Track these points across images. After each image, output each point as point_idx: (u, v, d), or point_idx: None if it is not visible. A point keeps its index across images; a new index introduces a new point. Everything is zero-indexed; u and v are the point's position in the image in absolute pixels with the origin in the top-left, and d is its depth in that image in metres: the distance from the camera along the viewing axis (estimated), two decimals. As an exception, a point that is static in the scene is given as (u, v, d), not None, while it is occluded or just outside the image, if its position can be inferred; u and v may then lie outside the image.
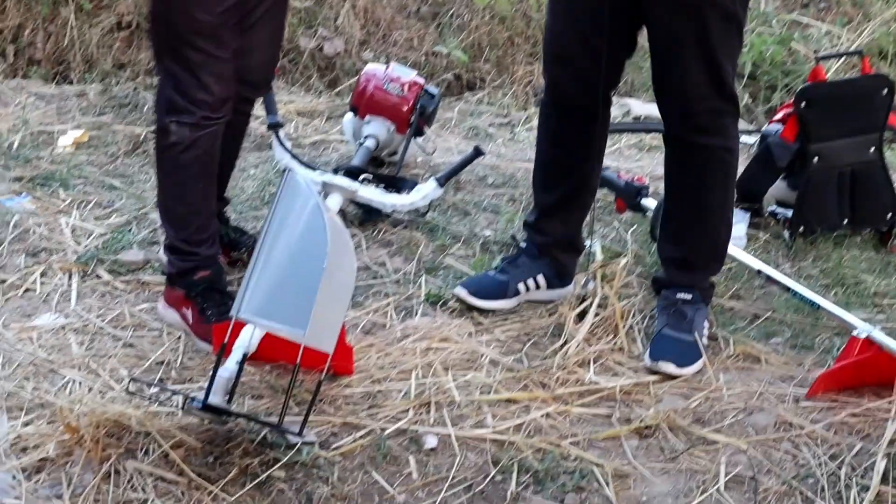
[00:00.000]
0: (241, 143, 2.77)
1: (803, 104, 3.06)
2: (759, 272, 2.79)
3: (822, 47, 4.50)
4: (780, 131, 3.14)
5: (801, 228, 3.06)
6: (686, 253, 2.60)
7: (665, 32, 2.44)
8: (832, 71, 4.34)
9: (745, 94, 4.38)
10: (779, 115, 3.26)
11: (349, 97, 3.78)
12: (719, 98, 2.46)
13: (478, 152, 3.13)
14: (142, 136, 3.51)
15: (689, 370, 2.46)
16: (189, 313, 2.51)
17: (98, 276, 2.74)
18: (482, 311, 2.65)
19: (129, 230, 2.94)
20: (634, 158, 3.70)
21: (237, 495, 2.04)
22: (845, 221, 3.10)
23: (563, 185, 2.70)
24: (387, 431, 2.21)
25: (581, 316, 2.59)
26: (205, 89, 2.42)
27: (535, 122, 2.87)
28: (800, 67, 4.37)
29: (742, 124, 3.97)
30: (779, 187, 3.18)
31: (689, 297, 2.56)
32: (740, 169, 2.83)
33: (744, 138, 3.45)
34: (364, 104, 3.36)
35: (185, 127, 2.44)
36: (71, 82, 4.23)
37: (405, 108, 3.34)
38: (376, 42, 4.69)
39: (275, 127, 3.11)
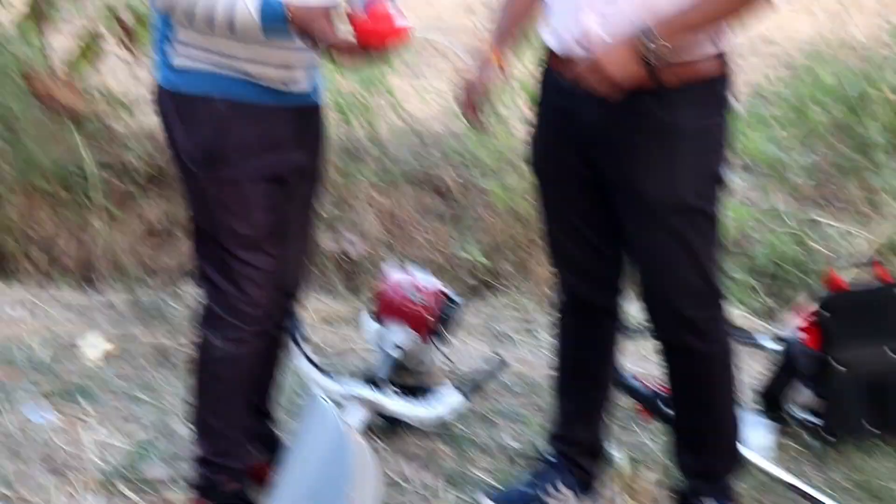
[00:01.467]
0: (281, 354, 2.79)
1: (826, 313, 3.07)
2: (789, 486, 2.74)
3: (838, 245, 4.55)
4: (803, 339, 3.13)
5: (831, 438, 3.02)
6: (707, 460, 2.58)
7: (645, 238, 2.47)
8: (850, 273, 4.36)
9: (765, 293, 4.39)
10: (800, 322, 3.25)
11: (372, 303, 3.83)
12: (708, 300, 2.48)
13: (501, 362, 3.14)
14: (169, 349, 3.54)
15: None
16: None
17: (123, 495, 2.71)
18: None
19: (154, 444, 2.93)
20: (656, 361, 3.69)
21: None
22: (877, 431, 3.05)
23: (582, 388, 2.70)
24: None
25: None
26: (247, 301, 2.47)
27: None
28: (818, 266, 4.40)
29: (764, 325, 3.99)
30: (805, 394, 3.15)
31: None
32: (748, 368, 2.79)
33: (765, 343, 3.45)
34: (387, 312, 3.39)
35: (227, 340, 2.47)
36: (99, 290, 4.30)
37: (428, 316, 3.36)
38: (399, 243, 4.77)
39: (297, 337, 3.14)
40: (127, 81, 5.27)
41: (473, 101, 2.59)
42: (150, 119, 5.11)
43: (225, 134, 2.40)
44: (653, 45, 2.27)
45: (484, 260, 4.59)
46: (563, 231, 2.63)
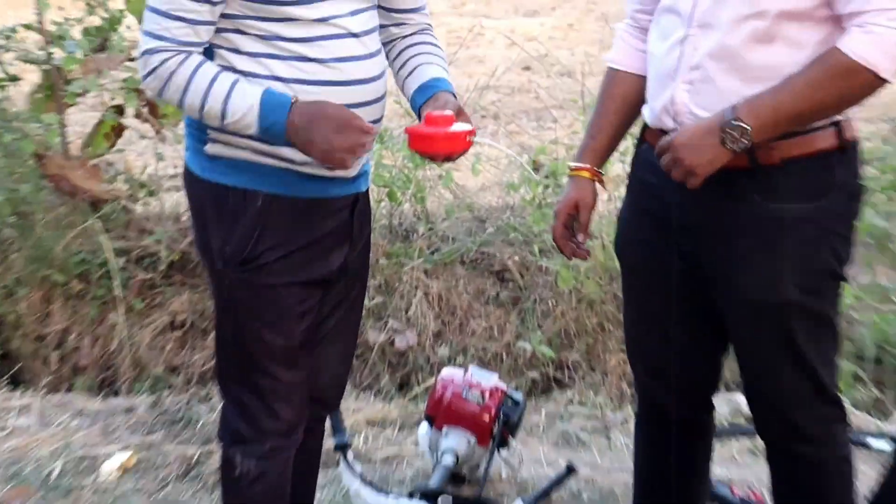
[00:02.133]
0: (318, 465, 2.78)
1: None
2: None
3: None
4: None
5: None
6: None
7: (745, 338, 2.44)
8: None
9: (871, 382, 4.31)
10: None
11: (424, 403, 3.80)
12: (821, 405, 2.43)
13: (570, 469, 3.09)
14: (195, 458, 3.53)
15: None
16: None
17: None
18: None
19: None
20: (749, 465, 3.62)
21: None
22: None
23: (665, 506, 2.67)
24: None
25: None
26: (275, 417, 2.45)
27: (633, 426, 2.85)
28: (932, 349, 4.32)
29: (872, 421, 3.90)
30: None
31: None
32: (861, 474, 2.72)
33: (873, 442, 3.36)
34: (441, 414, 3.36)
35: (253, 459, 2.46)
36: (117, 392, 4.31)
37: (487, 418, 3.33)
38: (452, 333, 4.75)
39: (342, 448, 3.11)
40: (149, 159, 5.35)
41: (569, 229, 2.58)
42: (173, 200, 5.17)
43: (262, 232, 2.39)
44: (736, 129, 2.23)
45: (548, 350, 4.55)
46: (645, 327, 2.61)
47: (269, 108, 2.25)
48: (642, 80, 2.56)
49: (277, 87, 2.30)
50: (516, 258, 4.95)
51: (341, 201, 2.47)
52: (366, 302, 4.63)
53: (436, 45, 2.61)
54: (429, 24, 2.64)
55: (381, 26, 2.58)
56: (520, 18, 12.36)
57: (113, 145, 5.08)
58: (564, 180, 4.94)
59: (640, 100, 2.57)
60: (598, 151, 2.62)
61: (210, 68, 2.29)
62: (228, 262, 2.40)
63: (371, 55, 2.41)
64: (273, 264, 2.39)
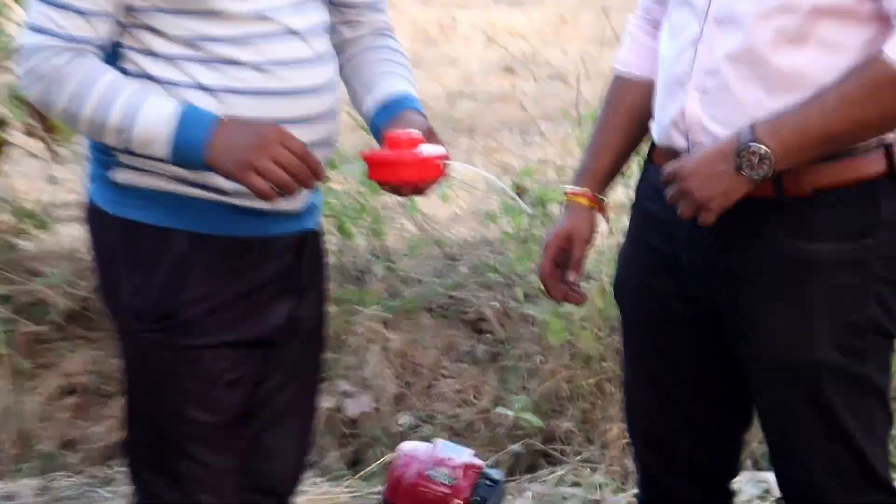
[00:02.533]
0: None
1: None
2: None
3: None
4: None
5: None
6: None
7: (772, 408, 2.46)
8: None
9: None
10: None
11: (381, 484, 3.78)
12: (868, 490, 2.45)
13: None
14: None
15: None
16: None
17: None
18: None
19: None
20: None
21: None
22: None
23: None
24: None
25: None
26: None
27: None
28: None
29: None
30: None
31: None
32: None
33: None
34: (402, 497, 3.36)
35: None
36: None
37: (457, 501, 3.33)
38: (416, 397, 4.75)
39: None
40: (40, 184, 5.33)
41: (560, 266, 2.60)
42: (70, 234, 5.15)
43: (184, 280, 2.39)
44: (754, 154, 2.24)
45: (534, 418, 4.55)
46: (647, 391, 2.62)
47: (187, 124, 2.25)
48: (647, 86, 2.58)
49: (202, 97, 2.30)
50: (495, 304, 4.95)
51: (284, 241, 2.48)
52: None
53: (398, 52, 2.62)
54: (388, 25, 2.65)
55: (332, 24, 2.60)
56: (501, 9, 12.39)
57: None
58: (556, 209, 4.99)
59: (646, 108, 2.59)
60: (600, 174, 2.64)
61: (110, 71, 2.29)
62: (142, 317, 2.39)
63: (319, 58, 2.42)
64: (198, 321, 2.39)
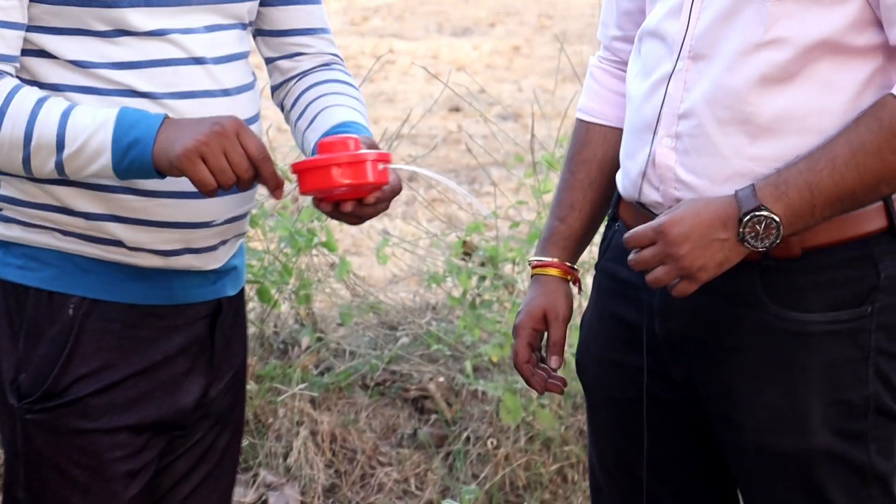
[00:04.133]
0: None
1: None
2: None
3: None
4: None
5: None
6: None
7: (759, 499, 2.45)
8: None
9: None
10: None
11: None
12: None
13: None
14: None
15: None
16: None
17: None
18: None
19: None
20: None
21: None
22: None
23: None
24: None
25: None
26: None
27: None
28: None
29: None
30: None
31: None
32: None
33: None
34: None
35: None
36: None
37: None
38: (350, 488, 4.72)
39: None
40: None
41: (536, 350, 2.59)
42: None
43: (73, 353, 2.36)
44: (761, 221, 2.22)
45: (487, 513, 4.54)
46: (615, 479, 2.61)
47: (129, 122, 2.22)
48: (615, 132, 2.57)
49: None
50: (441, 380, 4.94)
51: (194, 310, 2.46)
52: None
53: (349, 84, 2.62)
54: (336, 56, 2.66)
55: (269, 60, 2.62)
56: (445, 39, 12.49)
57: None
58: (509, 269, 4.99)
59: (616, 158, 2.58)
60: (570, 238, 2.64)
61: (32, 89, 2.27)
62: (24, 395, 2.37)
63: (225, 93, 2.40)
64: (89, 400, 2.37)
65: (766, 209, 2.20)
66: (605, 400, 2.61)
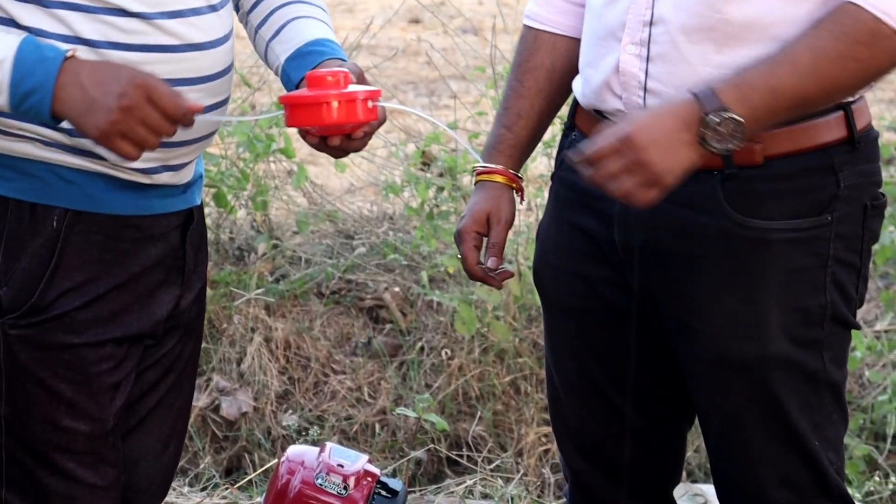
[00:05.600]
0: None
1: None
2: None
3: None
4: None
5: None
6: None
7: (714, 407, 2.48)
8: None
9: (892, 469, 4.39)
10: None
11: (261, 494, 3.77)
12: (812, 492, 2.47)
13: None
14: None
15: None
16: None
17: None
18: None
19: None
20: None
21: None
22: None
23: None
24: None
25: None
26: None
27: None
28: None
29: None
30: None
31: None
32: None
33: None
34: (284, 509, 3.36)
35: None
36: None
37: (349, 515, 3.33)
38: (303, 395, 4.74)
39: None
40: None
41: (479, 251, 2.61)
42: None
43: (57, 267, 2.35)
44: (724, 122, 2.21)
45: (440, 420, 4.57)
46: (577, 391, 2.64)
47: (28, 65, 2.20)
48: (576, 44, 2.57)
49: (79, 52, 2.26)
50: (397, 290, 4.96)
51: (169, 220, 2.46)
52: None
53: (310, 3, 2.59)
54: None
55: None
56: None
57: None
58: (467, 181, 4.99)
59: (573, 71, 2.59)
60: (516, 147, 2.65)
61: None
62: (6, 311, 2.35)
63: (212, 7, 2.41)
64: (74, 315, 2.37)
65: (730, 110, 2.20)
66: (564, 310, 2.62)
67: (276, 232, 5.14)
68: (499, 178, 2.62)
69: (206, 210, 4.97)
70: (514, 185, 2.63)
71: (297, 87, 2.46)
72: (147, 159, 2.34)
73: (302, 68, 2.46)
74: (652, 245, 2.44)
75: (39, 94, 2.20)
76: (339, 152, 2.40)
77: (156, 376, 2.54)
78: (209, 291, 4.81)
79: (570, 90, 2.61)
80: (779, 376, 2.40)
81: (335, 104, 2.26)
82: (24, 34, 2.23)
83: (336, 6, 9.38)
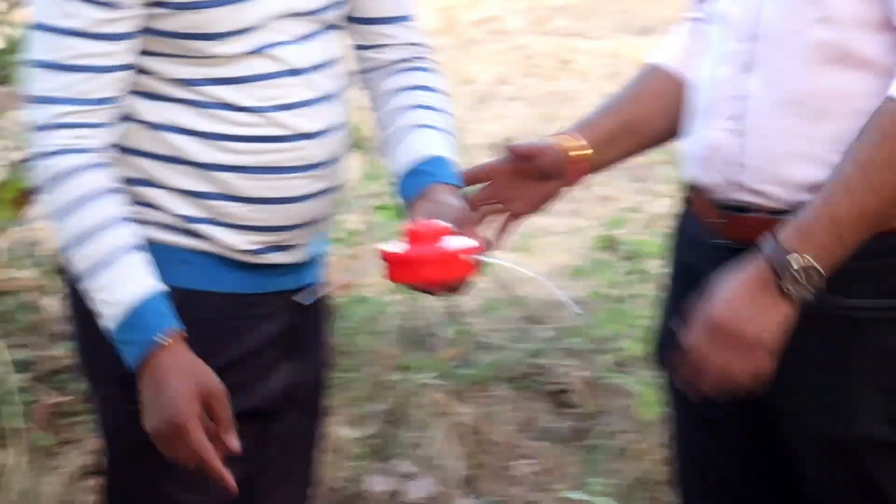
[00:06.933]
0: None
1: None
2: None
3: None
4: None
5: None
6: None
7: (814, 487, 2.45)
8: None
9: None
10: None
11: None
12: None
13: None
14: None
15: None
16: None
17: None
18: None
19: None
20: None
21: None
22: None
23: None
24: None
25: None
26: None
27: None
28: None
29: None
30: None
31: None
32: None
33: None
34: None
35: None
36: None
37: None
38: (486, 479, 4.74)
39: None
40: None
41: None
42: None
43: None
44: (800, 272, 2.22)
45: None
46: (696, 474, 2.64)
47: (136, 319, 2.29)
48: (684, 85, 2.58)
49: (192, 144, 2.35)
50: (584, 372, 4.94)
51: (282, 298, 2.51)
52: (358, 435, 4.65)
53: (434, 90, 2.61)
54: (422, 45, 2.64)
55: (354, 47, 2.63)
56: (628, 37, 12.41)
57: (20, 216, 5.14)
58: (654, 265, 4.95)
59: (676, 106, 2.58)
60: (595, 130, 2.61)
61: (112, 203, 2.32)
62: (127, 385, 2.37)
63: (323, 98, 2.45)
64: None
65: (799, 256, 2.21)
66: (676, 387, 2.57)
67: (461, 316, 5.16)
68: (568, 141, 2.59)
69: (398, 296, 5.04)
70: (564, 144, 2.58)
71: (406, 205, 2.48)
72: (254, 241, 2.41)
73: (412, 188, 2.48)
74: None
75: (133, 348, 2.31)
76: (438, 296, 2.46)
77: (273, 454, 2.57)
78: (394, 377, 4.86)
79: (668, 122, 2.60)
80: (874, 456, 2.38)
81: (434, 262, 2.28)
82: (158, 286, 2.32)
83: (552, 95, 9.42)
